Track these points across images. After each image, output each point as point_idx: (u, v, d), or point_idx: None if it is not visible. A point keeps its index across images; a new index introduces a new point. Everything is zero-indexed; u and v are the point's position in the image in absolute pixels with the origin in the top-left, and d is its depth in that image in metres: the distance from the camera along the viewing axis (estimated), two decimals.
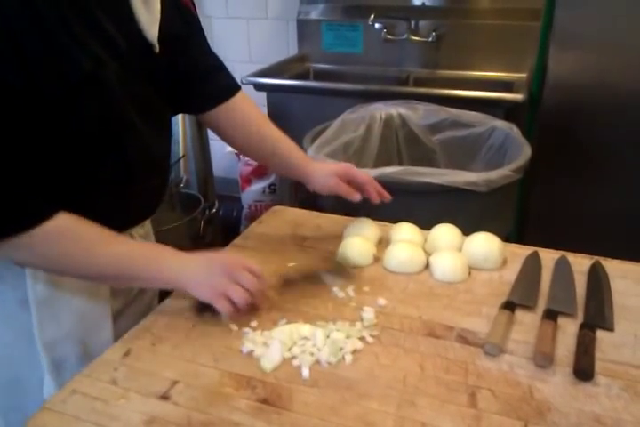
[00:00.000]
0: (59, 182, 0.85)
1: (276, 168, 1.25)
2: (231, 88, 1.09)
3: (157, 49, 0.90)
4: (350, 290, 0.99)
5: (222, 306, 0.86)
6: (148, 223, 1.11)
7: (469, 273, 1.04)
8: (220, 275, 0.87)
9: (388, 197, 1.13)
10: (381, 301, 0.96)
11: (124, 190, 0.93)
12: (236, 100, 1.09)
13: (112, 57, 0.82)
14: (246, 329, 0.89)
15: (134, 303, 1.09)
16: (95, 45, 0.80)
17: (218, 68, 1.08)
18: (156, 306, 1.13)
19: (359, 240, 1.09)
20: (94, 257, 0.84)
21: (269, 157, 1.14)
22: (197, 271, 0.88)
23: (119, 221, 0.98)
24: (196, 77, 1.03)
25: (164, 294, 1.02)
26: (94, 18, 0.80)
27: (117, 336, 0.92)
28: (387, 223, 1.19)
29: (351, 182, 1.11)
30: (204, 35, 1.06)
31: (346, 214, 1.24)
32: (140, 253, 0.89)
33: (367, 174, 1.14)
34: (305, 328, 0.88)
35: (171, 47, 0.93)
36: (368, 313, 0.92)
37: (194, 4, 1.02)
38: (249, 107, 1.11)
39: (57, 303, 0.92)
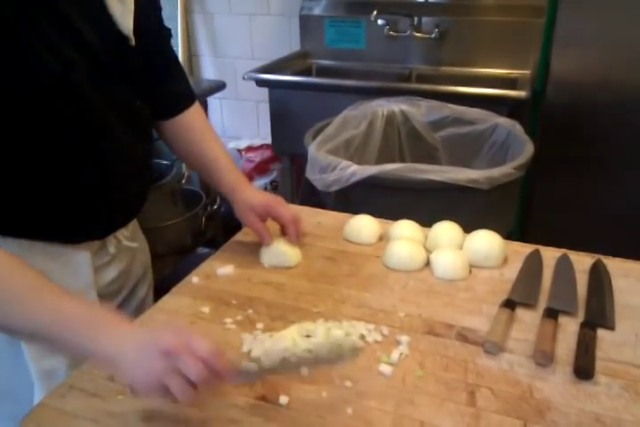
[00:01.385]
0: (36, 190, 0.84)
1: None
2: (188, 97, 1.08)
3: (133, 42, 0.86)
4: (352, 291, 0.98)
5: (161, 399, 0.67)
6: (134, 223, 1.08)
7: (470, 271, 1.03)
8: (157, 358, 0.66)
9: (302, 239, 1.10)
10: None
11: (104, 195, 0.91)
12: (188, 110, 1.07)
13: (84, 57, 0.79)
14: (246, 334, 0.87)
15: (127, 302, 1.08)
16: (65, 46, 0.77)
17: (176, 66, 1.05)
18: (150, 302, 1.13)
19: (280, 240, 1.07)
20: (28, 310, 0.69)
21: (204, 174, 1.13)
22: (133, 351, 0.68)
23: (103, 225, 0.97)
24: (161, 77, 1.01)
25: (160, 292, 1.02)
26: (63, 15, 0.77)
27: None
28: (387, 220, 1.18)
29: (275, 219, 1.08)
30: (165, 26, 1.02)
31: (346, 211, 1.24)
32: (77, 314, 0.70)
33: (291, 213, 1.07)
34: (305, 325, 0.87)
35: (146, 40, 0.90)
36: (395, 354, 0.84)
37: None
38: (196, 117, 1.09)
39: None
